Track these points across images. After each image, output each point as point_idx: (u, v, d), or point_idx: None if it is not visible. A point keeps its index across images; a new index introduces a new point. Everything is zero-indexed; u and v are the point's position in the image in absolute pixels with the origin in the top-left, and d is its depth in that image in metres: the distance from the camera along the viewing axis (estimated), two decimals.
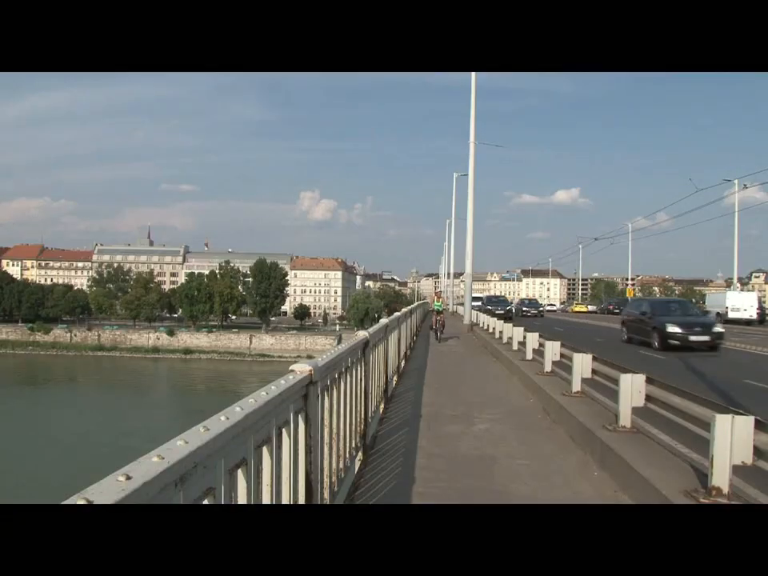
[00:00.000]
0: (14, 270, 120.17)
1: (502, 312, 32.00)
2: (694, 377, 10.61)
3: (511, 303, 41.56)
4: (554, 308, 72.56)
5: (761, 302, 33.51)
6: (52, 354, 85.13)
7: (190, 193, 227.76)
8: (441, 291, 27.81)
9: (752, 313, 31.17)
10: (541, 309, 43.68)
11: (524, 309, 40.66)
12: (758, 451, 3.71)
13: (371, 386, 5.77)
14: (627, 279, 61.21)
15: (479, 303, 43.51)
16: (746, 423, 3.71)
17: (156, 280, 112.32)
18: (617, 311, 49.27)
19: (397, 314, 10.81)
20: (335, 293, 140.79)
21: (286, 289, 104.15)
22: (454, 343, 18.08)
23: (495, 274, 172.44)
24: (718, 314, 29.25)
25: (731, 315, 29.22)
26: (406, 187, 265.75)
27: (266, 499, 2.04)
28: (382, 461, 5.19)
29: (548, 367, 9.36)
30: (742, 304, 31.19)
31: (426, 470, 5.00)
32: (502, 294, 63.79)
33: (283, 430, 2.30)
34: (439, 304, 19.10)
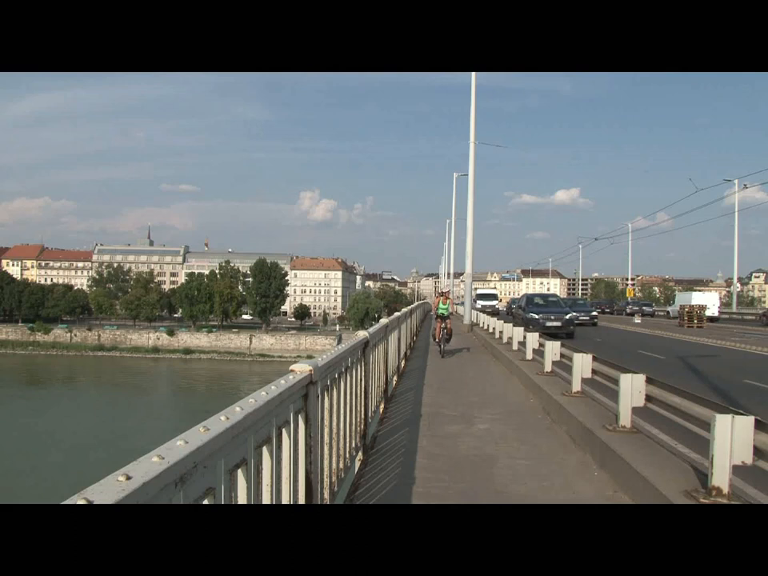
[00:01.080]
0: (14, 270, 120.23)
1: (559, 325, 19.23)
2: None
3: (571, 309, 23.38)
4: None
5: (720, 301, 38.61)
6: (52, 354, 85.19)
7: (190, 193, 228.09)
8: (448, 291, 19.42)
9: (714, 311, 35.23)
10: (594, 314, 29.65)
11: None
12: (757, 451, 3.71)
13: (371, 386, 5.77)
14: (627, 279, 61.15)
15: (492, 303, 37.85)
16: (745, 423, 3.71)
17: (156, 280, 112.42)
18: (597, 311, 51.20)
19: (397, 314, 10.81)
20: (335, 293, 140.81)
21: (286, 289, 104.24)
22: (462, 352, 15.13)
23: (495, 274, 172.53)
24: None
25: None
26: (406, 187, 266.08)
27: (266, 499, 2.04)
28: (382, 461, 5.19)
29: (548, 367, 9.36)
30: (706, 303, 34.54)
31: (426, 470, 5.00)
32: (553, 293, 41.90)
33: (283, 430, 2.30)
34: (445, 307, 14.65)
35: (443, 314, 14.57)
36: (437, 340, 14.44)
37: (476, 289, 38.55)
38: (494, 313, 31.07)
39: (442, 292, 15.95)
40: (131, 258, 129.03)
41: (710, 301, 35.69)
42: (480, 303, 38.04)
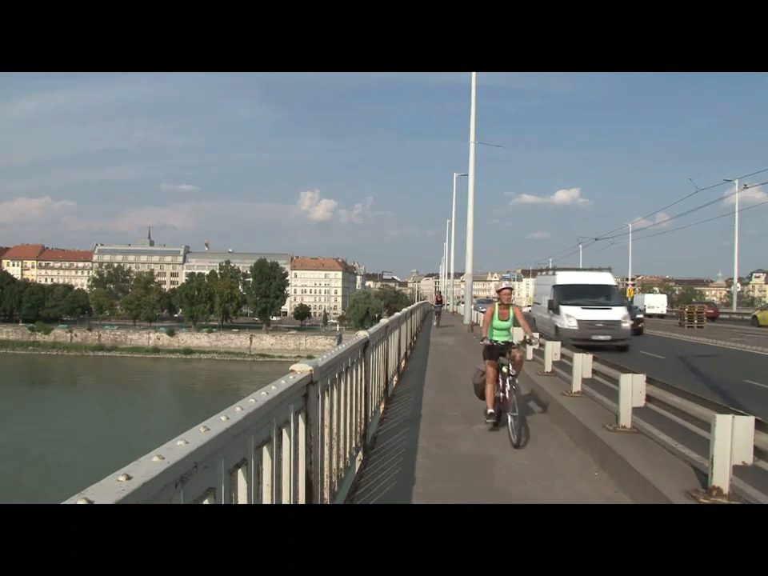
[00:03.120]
0: (14, 270, 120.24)
1: None
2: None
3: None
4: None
5: (668, 302, 46.34)
6: (52, 354, 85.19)
7: (190, 193, 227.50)
8: (510, 288, 6.80)
9: (662, 310, 41.80)
10: None
11: None
12: (758, 451, 3.71)
13: (371, 386, 5.77)
14: (627, 279, 61.23)
15: (614, 317, 14.55)
16: (745, 423, 3.71)
17: (156, 280, 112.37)
18: None
19: (397, 314, 10.81)
20: (335, 293, 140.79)
21: (286, 289, 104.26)
22: (460, 348, 13.11)
23: (495, 274, 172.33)
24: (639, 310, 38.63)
25: (648, 311, 39.33)
26: (406, 187, 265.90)
27: (266, 499, 2.04)
28: (382, 461, 5.19)
29: (548, 367, 9.36)
30: (655, 303, 42.45)
31: (426, 470, 5.00)
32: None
33: (283, 430, 2.30)
34: (507, 326, 6.92)
35: (506, 342, 6.69)
36: (490, 405, 6.52)
37: (552, 274, 19.13)
38: (618, 344, 14.49)
39: (505, 291, 6.86)
40: (131, 258, 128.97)
41: (659, 301, 43.66)
42: (573, 316, 15.33)
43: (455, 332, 21.04)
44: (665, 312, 41.66)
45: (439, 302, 28.26)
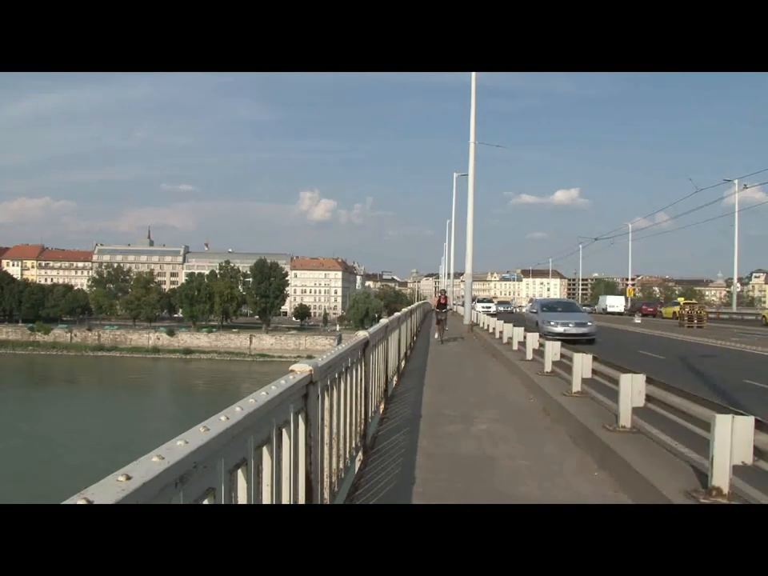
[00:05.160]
0: (14, 270, 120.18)
1: None
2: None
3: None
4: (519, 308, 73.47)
5: (627, 302, 53.35)
6: (52, 354, 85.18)
7: (190, 193, 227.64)
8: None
9: (620, 308, 49.89)
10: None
11: None
12: (757, 451, 3.71)
13: (371, 386, 5.77)
14: (627, 279, 61.41)
15: None
16: (745, 423, 3.71)
17: (156, 280, 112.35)
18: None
19: (397, 314, 10.81)
20: (335, 293, 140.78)
21: (286, 289, 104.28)
22: (460, 348, 15.03)
23: (495, 274, 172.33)
24: (603, 309, 50.06)
25: (609, 310, 48.56)
26: (406, 187, 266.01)
27: (266, 499, 2.04)
28: (382, 461, 5.19)
29: (548, 367, 9.36)
30: (615, 303, 51.12)
31: (426, 470, 5.00)
32: None
33: (283, 430, 2.30)
34: None
35: None
36: None
37: None
38: None
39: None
40: (131, 258, 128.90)
41: (618, 301, 51.63)
42: None
43: (455, 333, 21.03)
44: (623, 310, 49.37)
45: (443, 304, 18.42)
